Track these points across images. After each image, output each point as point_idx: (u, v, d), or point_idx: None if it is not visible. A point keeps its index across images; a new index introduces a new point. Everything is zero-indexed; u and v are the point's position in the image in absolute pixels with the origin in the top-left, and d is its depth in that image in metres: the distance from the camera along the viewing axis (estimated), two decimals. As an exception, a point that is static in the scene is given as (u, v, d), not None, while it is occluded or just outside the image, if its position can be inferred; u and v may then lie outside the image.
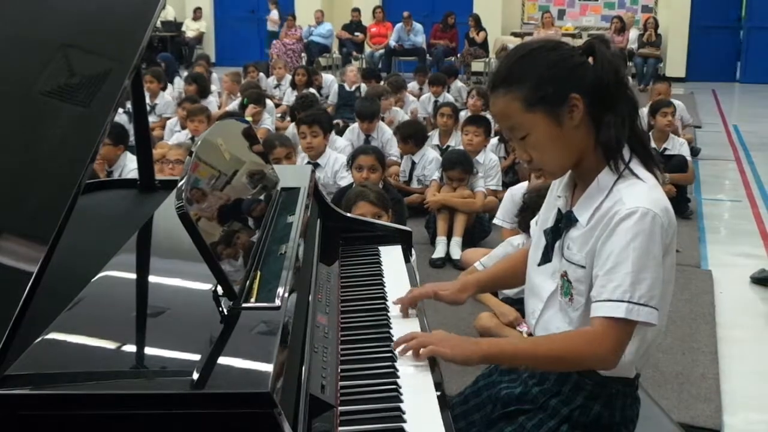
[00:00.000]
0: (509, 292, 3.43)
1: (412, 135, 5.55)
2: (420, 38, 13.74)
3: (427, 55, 13.57)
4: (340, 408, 1.36)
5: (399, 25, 13.75)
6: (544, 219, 1.70)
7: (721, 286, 4.26)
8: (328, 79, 10.11)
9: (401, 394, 1.42)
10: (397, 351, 1.57)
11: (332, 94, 9.31)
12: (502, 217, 4.12)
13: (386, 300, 1.86)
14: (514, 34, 13.38)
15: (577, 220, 1.57)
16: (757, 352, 3.53)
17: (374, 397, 1.41)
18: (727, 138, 8.67)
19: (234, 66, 10.99)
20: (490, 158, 5.30)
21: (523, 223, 3.42)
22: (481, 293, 2.85)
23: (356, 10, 14.52)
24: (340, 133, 6.52)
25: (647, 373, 3.02)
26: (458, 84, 9.68)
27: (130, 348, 1.23)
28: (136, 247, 1.61)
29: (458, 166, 4.88)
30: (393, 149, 5.96)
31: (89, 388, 1.09)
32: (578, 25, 14.20)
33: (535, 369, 1.67)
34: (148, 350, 1.23)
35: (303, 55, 13.90)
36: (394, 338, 1.63)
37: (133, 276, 1.52)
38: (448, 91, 8.76)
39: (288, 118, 7.61)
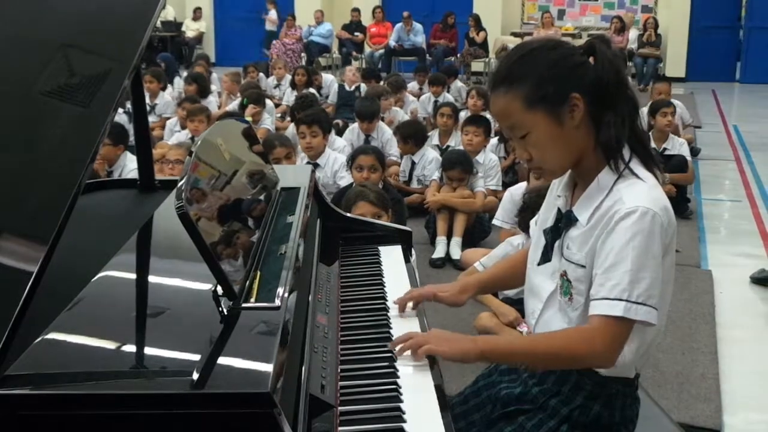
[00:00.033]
0: (509, 293, 3.43)
1: (411, 135, 5.55)
2: (420, 38, 13.74)
3: (427, 55, 13.56)
4: (340, 408, 1.36)
5: (399, 25, 13.76)
6: (543, 219, 1.70)
7: (721, 286, 4.26)
8: (328, 79, 10.11)
9: (401, 394, 1.42)
10: (394, 351, 1.57)
11: (332, 94, 9.31)
12: (501, 218, 4.13)
13: (386, 300, 1.86)
14: (514, 34, 13.38)
15: (576, 220, 1.57)
16: (757, 352, 3.53)
17: (374, 397, 1.41)
18: (727, 138, 8.68)
19: (234, 66, 10.99)
20: (490, 158, 5.30)
21: (522, 223, 3.42)
22: (482, 294, 2.85)
23: (356, 10, 14.53)
24: (340, 133, 6.52)
25: (647, 373, 3.02)
26: (458, 84, 9.68)
27: (130, 348, 1.23)
28: (136, 247, 1.61)
29: (458, 166, 4.88)
30: (393, 149, 5.96)
31: (89, 388, 1.09)
32: (578, 25, 14.20)
33: (533, 366, 1.67)
34: (148, 350, 1.23)
35: (303, 55, 13.90)
36: (394, 338, 1.63)
37: (133, 276, 1.52)
38: (448, 91, 8.76)
39: (288, 118, 7.61)
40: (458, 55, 13.49)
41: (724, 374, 3.23)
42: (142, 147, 2.20)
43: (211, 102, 7.84)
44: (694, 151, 7.14)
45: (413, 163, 5.57)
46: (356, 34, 14.37)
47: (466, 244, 4.64)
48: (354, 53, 14.24)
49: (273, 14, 14.88)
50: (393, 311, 1.81)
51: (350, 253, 2.17)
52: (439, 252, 4.58)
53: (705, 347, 3.45)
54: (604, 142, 1.52)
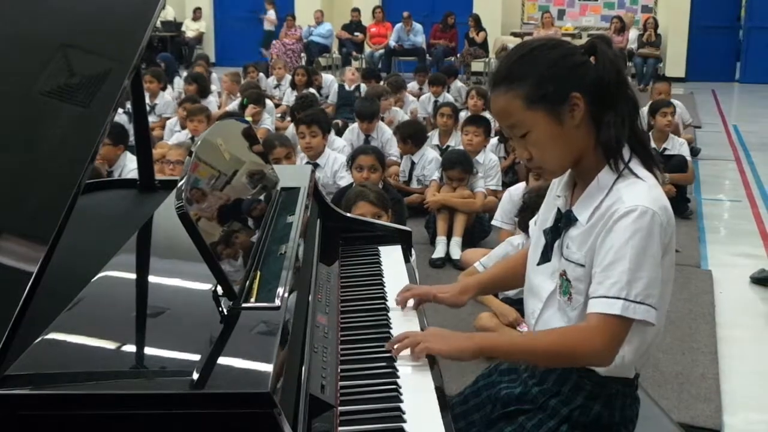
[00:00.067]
0: (509, 293, 3.43)
1: (411, 135, 5.55)
2: (420, 38, 13.74)
3: (427, 55, 13.56)
4: (340, 408, 1.36)
5: (399, 25, 13.76)
6: (543, 219, 1.70)
7: (721, 286, 4.26)
8: (328, 79, 10.11)
9: (401, 394, 1.42)
10: (392, 351, 1.57)
11: (332, 94, 9.32)
12: (501, 218, 4.13)
13: (386, 300, 1.86)
14: (514, 34, 13.37)
15: (576, 219, 1.57)
16: (757, 352, 3.53)
17: (374, 397, 1.41)
18: (727, 138, 8.68)
19: (234, 66, 10.99)
20: (489, 158, 5.30)
21: (522, 224, 3.42)
22: (482, 295, 2.85)
23: (356, 10, 14.52)
24: (340, 133, 6.52)
25: (647, 373, 3.02)
26: (458, 84, 9.68)
27: (130, 348, 1.23)
28: (136, 247, 1.61)
29: (458, 166, 4.88)
30: (393, 149, 5.96)
31: (89, 388, 1.09)
32: (578, 25, 14.20)
33: (531, 364, 1.67)
34: (148, 350, 1.23)
35: (303, 55, 13.90)
36: (391, 339, 1.62)
37: (133, 276, 1.52)
38: (448, 91, 8.76)
39: (288, 118, 7.61)
40: (458, 55, 13.49)
41: (724, 374, 3.23)
42: (142, 147, 2.20)
43: (211, 102, 7.84)
44: (694, 151, 7.14)
45: (413, 163, 5.57)
46: (356, 34, 14.37)
47: (466, 244, 4.64)
48: (354, 53, 14.24)
49: (271, 14, 14.88)
50: (393, 311, 1.81)
51: (350, 253, 2.17)
52: (439, 252, 4.58)
53: (705, 347, 3.45)
54: (604, 141, 1.52)
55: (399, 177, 5.64)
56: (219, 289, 1.32)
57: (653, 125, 5.83)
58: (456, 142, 5.97)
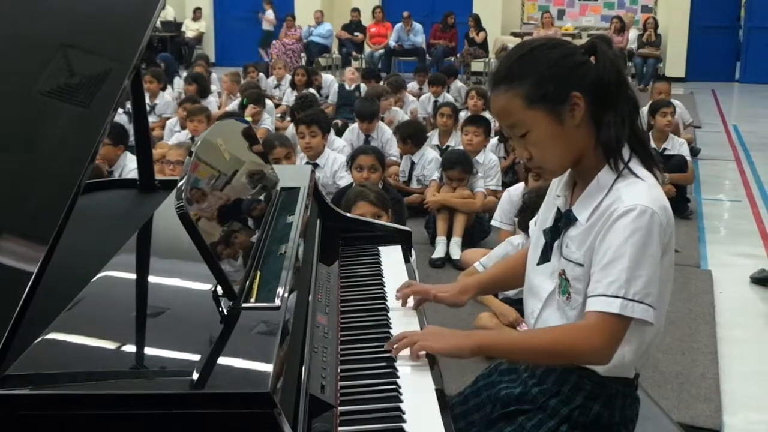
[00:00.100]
0: (509, 293, 3.44)
1: (411, 135, 5.55)
2: (420, 38, 13.74)
3: (427, 55, 13.56)
4: (340, 408, 1.36)
5: (399, 25, 13.75)
6: (543, 219, 1.70)
7: (721, 286, 4.26)
8: (328, 79, 10.11)
9: (401, 394, 1.42)
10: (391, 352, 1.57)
11: (332, 94, 9.32)
12: (500, 219, 4.14)
13: (386, 300, 1.87)
14: (514, 34, 13.38)
15: (576, 219, 1.57)
16: (757, 352, 3.53)
17: (374, 397, 1.41)
18: (727, 138, 8.68)
19: (233, 66, 10.99)
20: (489, 158, 5.31)
21: (522, 224, 3.42)
22: (482, 295, 2.85)
23: (356, 10, 14.52)
24: (340, 133, 6.52)
25: (647, 373, 3.02)
26: (458, 84, 9.68)
27: (130, 348, 1.23)
28: (136, 247, 1.61)
29: (458, 166, 4.88)
30: (393, 149, 5.96)
31: (89, 388, 1.09)
32: (578, 25, 14.20)
33: (529, 362, 1.67)
34: (148, 350, 1.23)
35: (302, 55, 13.90)
36: (396, 335, 1.62)
37: (133, 276, 1.52)
38: (448, 91, 8.76)
39: (288, 118, 7.61)
40: (458, 55, 13.49)
41: (724, 374, 3.23)
42: (142, 147, 2.20)
43: (211, 102, 7.84)
44: (694, 151, 7.14)
45: (413, 163, 5.57)
46: (356, 34, 14.37)
47: (466, 244, 4.64)
48: (354, 53, 14.24)
49: (270, 14, 14.88)
50: (393, 311, 1.81)
51: (350, 253, 2.17)
52: (438, 252, 4.58)
53: (705, 347, 3.45)
54: (605, 141, 1.52)
55: (399, 177, 5.64)
56: (219, 289, 1.32)
57: (653, 125, 5.83)
58: (456, 142, 5.97)
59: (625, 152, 1.54)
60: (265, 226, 1.76)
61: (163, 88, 8.06)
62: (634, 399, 1.67)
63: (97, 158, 1.51)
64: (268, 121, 7.17)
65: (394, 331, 1.69)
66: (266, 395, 1.05)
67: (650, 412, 1.81)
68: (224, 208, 1.53)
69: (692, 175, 5.74)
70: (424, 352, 1.55)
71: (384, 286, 1.95)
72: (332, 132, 5.98)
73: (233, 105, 7.73)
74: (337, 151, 5.40)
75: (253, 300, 1.37)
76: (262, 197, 1.87)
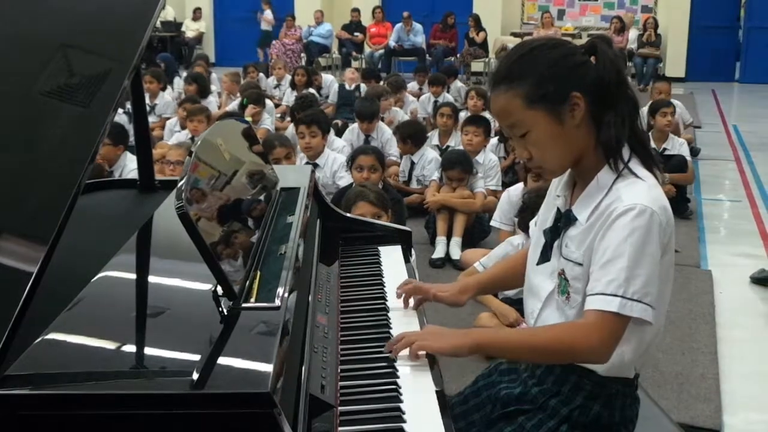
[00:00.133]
0: (509, 293, 3.44)
1: (411, 135, 5.55)
2: (420, 38, 13.74)
3: (427, 55, 13.56)
4: (340, 408, 1.36)
5: (399, 25, 13.76)
6: (543, 219, 1.70)
7: (721, 286, 4.26)
8: (328, 79, 10.12)
9: (401, 394, 1.42)
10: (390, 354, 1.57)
11: (332, 94, 9.32)
12: (499, 219, 4.14)
13: (386, 300, 1.87)
14: (514, 34, 13.38)
15: (576, 219, 1.57)
16: (756, 352, 3.53)
17: (374, 397, 1.41)
18: (727, 138, 8.68)
19: (233, 66, 11.00)
20: (489, 158, 5.31)
21: (522, 224, 3.42)
22: (481, 295, 2.85)
23: (356, 11, 14.52)
24: (340, 133, 6.52)
25: (647, 373, 3.02)
26: (458, 84, 9.68)
27: (130, 348, 1.23)
28: (136, 247, 1.61)
29: (458, 166, 4.88)
30: (393, 149, 5.96)
31: (89, 388, 1.09)
32: (578, 26, 14.20)
33: (528, 361, 1.67)
34: (148, 350, 1.23)
35: (302, 55, 13.90)
36: (395, 336, 1.62)
37: (133, 276, 1.52)
38: (448, 91, 8.76)
39: (288, 119, 7.62)
40: (458, 55, 13.49)
41: (724, 374, 3.23)
42: (142, 147, 2.20)
43: (211, 102, 7.84)
44: (694, 151, 7.14)
45: (412, 164, 5.57)
46: (356, 34, 14.37)
47: (466, 244, 4.64)
48: (354, 53, 14.24)
49: (268, 14, 14.88)
50: (393, 311, 1.81)
51: (350, 253, 2.17)
52: (438, 252, 4.58)
53: (705, 347, 3.45)
54: (605, 141, 1.52)
55: (399, 177, 5.64)
56: (219, 289, 1.32)
57: (653, 125, 5.83)
58: (456, 142, 5.97)
59: (625, 152, 1.54)
60: (265, 226, 1.76)
61: (163, 88, 8.06)
62: (634, 399, 1.67)
63: (97, 158, 1.51)
64: (268, 121, 7.17)
65: (394, 331, 1.69)
66: (266, 395, 1.05)
67: (650, 412, 1.81)
68: (224, 208, 1.53)
69: (692, 175, 5.75)
70: (423, 352, 1.55)
71: (384, 286, 1.95)
72: (332, 132, 5.98)
73: (233, 105, 7.73)
74: (336, 151, 5.40)
75: (253, 300, 1.37)
76: (262, 197, 1.87)
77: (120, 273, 1.47)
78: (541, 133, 1.52)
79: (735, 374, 3.25)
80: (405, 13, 13.78)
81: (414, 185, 5.52)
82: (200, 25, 15.90)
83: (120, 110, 5.70)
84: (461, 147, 5.43)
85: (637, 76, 12.57)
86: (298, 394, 1.24)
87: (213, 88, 8.65)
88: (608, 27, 13.27)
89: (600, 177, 1.54)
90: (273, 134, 6.08)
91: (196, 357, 1.14)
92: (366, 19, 14.47)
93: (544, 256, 1.65)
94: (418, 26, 13.79)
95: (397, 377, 1.48)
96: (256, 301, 1.37)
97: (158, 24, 12.50)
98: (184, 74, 9.64)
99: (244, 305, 1.33)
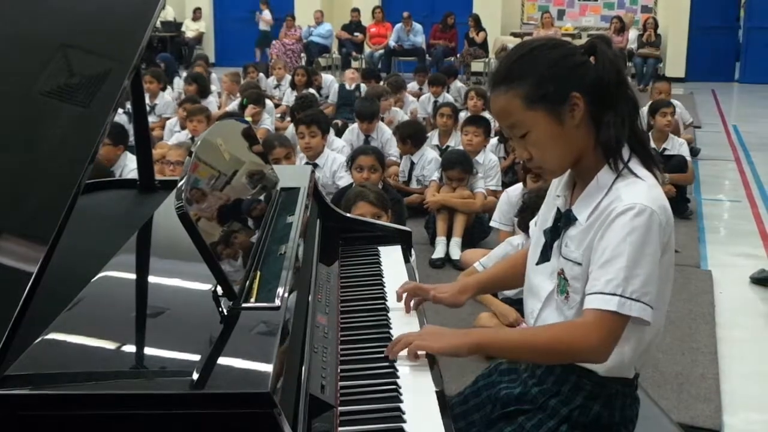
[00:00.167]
0: (509, 293, 3.44)
1: (411, 135, 5.55)
2: (419, 38, 13.74)
3: (427, 55, 13.56)
4: (340, 408, 1.36)
5: (398, 25, 13.76)
6: (543, 219, 1.70)
7: (721, 286, 4.26)
8: (328, 79, 10.12)
9: (401, 394, 1.42)
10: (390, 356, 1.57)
11: (332, 94, 9.32)
12: (499, 219, 4.14)
13: (386, 300, 1.87)
14: (514, 35, 13.38)
15: (575, 219, 1.57)
16: (756, 352, 3.53)
17: (374, 397, 1.41)
18: (727, 138, 8.68)
19: (233, 66, 11.00)
20: (489, 158, 5.31)
21: (522, 224, 3.42)
22: (481, 295, 2.85)
23: (356, 11, 14.52)
24: (340, 133, 6.52)
25: (647, 373, 3.02)
26: (458, 84, 9.69)
27: (130, 348, 1.23)
28: (136, 247, 1.61)
29: (458, 166, 4.88)
30: (392, 149, 5.96)
31: (89, 388, 1.09)
32: (578, 26, 14.20)
33: (527, 360, 1.67)
34: (148, 350, 1.23)
35: (302, 55, 13.90)
36: (394, 339, 1.62)
37: (133, 276, 1.52)
38: (448, 92, 8.76)
39: (288, 119, 7.62)
40: (458, 55, 13.49)
41: (724, 374, 3.23)
42: (142, 147, 2.20)
43: (211, 102, 7.84)
44: (694, 151, 7.14)
45: (412, 164, 5.57)
46: (356, 34, 14.37)
47: (466, 244, 4.64)
48: (354, 53, 14.24)
49: (267, 14, 14.88)
50: (393, 311, 1.81)
51: (350, 254, 2.17)
52: (438, 252, 4.59)
53: (705, 347, 3.45)
54: (604, 141, 1.52)
55: (399, 177, 5.64)
56: (219, 289, 1.32)
57: (653, 125, 5.84)
58: (456, 142, 5.97)
59: (625, 152, 1.54)
60: (265, 226, 1.76)
61: (163, 89, 8.06)
62: (634, 399, 1.67)
63: (97, 158, 1.51)
64: (268, 122, 7.17)
65: (394, 331, 1.69)
66: (266, 395, 1.05)
67: (650, 412, 1.81)
68: (224, 208, 1.53)
69: (692, 175, 5.75)
70: (423, 352, 1.55)
71: (384, 287, 1.95)
72: (332, 132, 5.98)
73: (233, 105, 7.73)
74: (336, 151, 5.40)
75: (253, 300, 1.37)
76: (262, 197, 1.87)
77: (120, 273, 1.47)
78: (541, 134, 1.52)
79: (735, 374, 3.25)
80: (405, 13, 13.78)
81: (414, 185, 5.52)
82: (200, 25, 15.90)
83: (120, 110, 5.70)
84: (461, 147, 5.43)
85: (637, 76, 12.57)
86: (298, 394, 1.24)
87: (213, 88, 8.66)
88: (608, 27, 13.27)
89: (600, 177, 1.54)
90: (273, 134, 6.08)
91: (196, 357, 1.14)
92: (366, 19, 14.47)
93: (544, 256, 1.65)
94: (418, 26, 13.80)
95: (397, 377, 1.48)
96: (256, 301, 1.37)
97: (158, 24, 12.50)
98: (184, 74, 9.64)
99: (244, 305, 1.33)
